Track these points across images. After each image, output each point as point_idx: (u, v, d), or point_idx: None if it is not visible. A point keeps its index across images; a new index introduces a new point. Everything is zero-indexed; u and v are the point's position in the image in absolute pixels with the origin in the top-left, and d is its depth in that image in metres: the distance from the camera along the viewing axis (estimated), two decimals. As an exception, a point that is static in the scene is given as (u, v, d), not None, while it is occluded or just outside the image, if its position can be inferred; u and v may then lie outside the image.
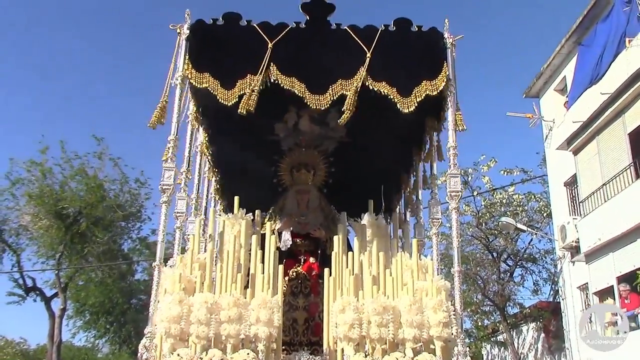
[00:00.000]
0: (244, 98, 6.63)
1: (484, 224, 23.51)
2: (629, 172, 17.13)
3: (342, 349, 6.07)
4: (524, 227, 22.28)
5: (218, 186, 9.27)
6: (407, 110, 6.72)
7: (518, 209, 23.41)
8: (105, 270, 25.48)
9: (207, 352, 5.84)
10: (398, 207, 9.29)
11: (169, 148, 6.62)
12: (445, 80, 6.85)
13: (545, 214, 23.65)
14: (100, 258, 25.05)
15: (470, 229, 23.67)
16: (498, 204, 23.47)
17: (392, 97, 6.73)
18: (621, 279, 17.17)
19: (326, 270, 6.79)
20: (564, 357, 21.98)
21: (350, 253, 6.84)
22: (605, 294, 18.39)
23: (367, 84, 6.71)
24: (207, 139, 8.28)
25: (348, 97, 6.64)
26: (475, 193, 23.35)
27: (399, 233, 8.37)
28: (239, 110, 6.65)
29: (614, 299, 17.57)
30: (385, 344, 6.05)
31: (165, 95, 6.78)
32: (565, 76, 21.15)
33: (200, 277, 6.35)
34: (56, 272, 24.42)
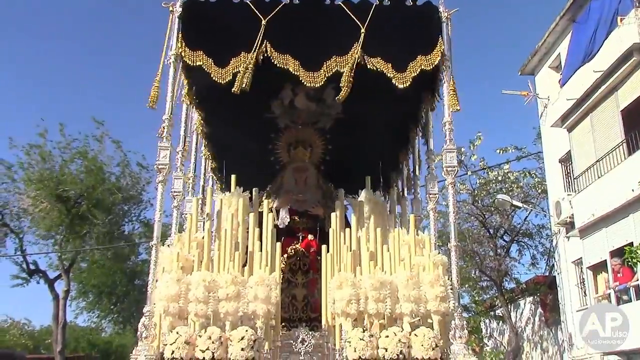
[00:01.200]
0: (238, 76, 6.50)
1: (479, 202, 23.44)
2: (622, 148, 16.94)
3: (340, 324, 6.01)
4: (520, 204, 22.23)
5: (214, 165, 9.16)
6: (402, 86, 6.60)
7: (513, 185, 23.29)
8: (107, 252, 25.39)
9: (205, 330, 5.78)
10: (395, 183, 9.18)
11: (163, 127, 6.51)
12: (440, 54, 6.72)
13: (540, 190, 23.53)
14: (101, 240, 24.93)
15: (467, 207, 23.59)
16: (493, 181, 23.35)
17: (387, 72, 6.61)
18: (614, 254, 17.03)
19: (324, 247, 6.73)
20: (560, 330, 22.05)
21: (347, 229, 6.77)
22: (599, 268, 18.31)
23: (361, 60, 6.58)
24: (202, 118, 8.16)
25: (344, 74, 6.52)
26: (469, 173, 23.21)
27: (397, 209, 8.24)
28: (233, 89, 6.52)
29: (607, 273, 17.52)
30: (383, 319, 6.00)
31: (159, 74, 6.64)
32: (559, 53, 20.91)
33: (198, 256, 6.27)
34: (59, 254, 24.37)
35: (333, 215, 6.93)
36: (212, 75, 6.62)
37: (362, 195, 7.72)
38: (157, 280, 6.17)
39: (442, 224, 19.83)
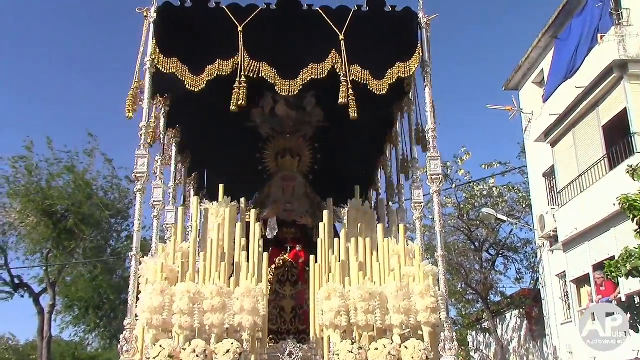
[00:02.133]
0: (234, 94, 6.27)
1: (465, 215, 23.30)
2: (603, 163, 16.88)
3: (329, 336, 5.78)
4: (505, 218, 22.13)
5: (193, 174, 8.91)
6: (380, 93, 6.43)
7: (498, 199, 23.19)
8: (94, 266, 24.94)
9: (190, 343, 5.54)
10: (381, 192, 8.93)
11: (141, 135, 6.26)
12: (418, 61, 6.55)
13: (525, 205, 23.46)
14: (88, 254, 24.50)
15: (452, 220, 23.44)
16: (478, 195, 23.22)
17: (364, 80, 6.42)
18: (596, 267, 16.74)
19: (312, 257, 6.49)
20: (546, 343, 21.88)
21: (336, 239, 6.55)
22: (582, 281, 18.27)
23: (338, 67, 6.38)
24: (179, 126, 7.95)
25: (342, 88, 6.29)
26: (454, 186, 23.07)
27: (385, 219, 8.00)
28: (231, 108, 6.30)
29: (591, 287, 17.37)
30: (373, 330, 5.78)
31: (135, 82, 6.41)
32: (543, 69, 20.96)
33: (182, 267, 6.02)
34: (44, 268, 23.93)
35: (321, 225, 6.71)
36: (185, 83, 6.40)
37: (351, 205, 7.49)
38: (137, 292, 5.91)
39: (429, 238, 19.65)
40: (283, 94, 6.47)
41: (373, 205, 8.44)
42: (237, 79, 6.23)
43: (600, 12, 16.90)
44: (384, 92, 6.43)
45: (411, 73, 6.55)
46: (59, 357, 36.01)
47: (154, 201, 6.70)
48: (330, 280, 6.00)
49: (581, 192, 17.77)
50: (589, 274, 17.38)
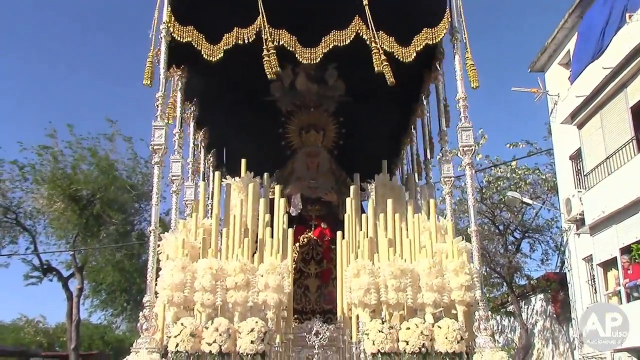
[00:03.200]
0: (265, 63, 5.81)
1: (488, 199, 22.70)
2: (631, 145, 16.35)
3: (357, 315, 5.41)
4: (530, 201, 21.58)
5: (212, 151, 8.52)
6: (406, 60, 5.98)
7: (521, 182, 22.53)
8: (120, 250, 24.85)
9: (212, 321, 5.21)
10: (410, 168, 8.45)
11: (157, 105, 5.89)
12: (446, 27, 6.09)
13: (548, 187, 22.82)
14: (114, 238, 24.38)
15: (476, 204, 22.78)
16: (502, 178, 22.58)
17: (390, 47, 5.96)
18: (624, 251, 16.45)
19: (339, 232, 6.11)
20: (571, 326, 21.39)
21: (364, 215, 6.17)
22: (609, 265, 17.71)
23: (362, 34, 5.92)
24: (197, 99, 7.58)
25: (374, 56, 5.83)
26: (474, 171, 22.33)
27: (414, 194, 7.55)
28: (269, 76, 5.85)
29: (618, 270, 16.92)
30: (403, 309, 5.39)
31: (152, 50, 6.02)
32: (569, 50, 20.33)
33: (204, 243, 5.67)
34: (72, 253, 23.88)
35: (348, 200, 6.32)
36: (202, 53, 6.00)
37: (378, 180, 7.06)
38: (157, 269, 5.58)
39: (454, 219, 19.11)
40: (304, 62, 6.02)
41: (402, 180, 8.02)
42: (265, 46, 5.78)
43: None
44: (411, 59, 5.97)
45: (439, 40, 6.10)
46: (87, 340, 36.21)
47: (172, 175, 6.38)
48: (358, 256, 5.61)
49: (608, 174, 17.27)
50: (616, 257, 16.91)
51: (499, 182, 22.56)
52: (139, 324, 5.47)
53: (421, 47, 6.01)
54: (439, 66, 6.65)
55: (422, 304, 5.35)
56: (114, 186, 23.43)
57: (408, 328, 5.13)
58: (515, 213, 22.79)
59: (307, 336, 5.67)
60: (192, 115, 7.59)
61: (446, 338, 5.11)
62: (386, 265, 5.39)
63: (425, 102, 7.48)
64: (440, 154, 6.67)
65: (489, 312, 5.43)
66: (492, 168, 22.63)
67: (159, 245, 5.84)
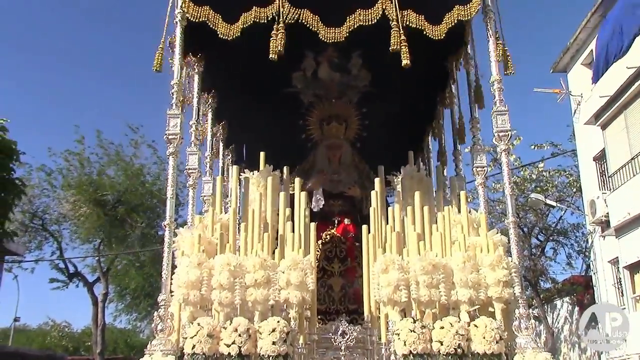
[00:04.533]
0: (272, 42, 5.36)
1: (515, 200, 22.08)
2: (657, 146, 15.95)
3: (386, 314, 4.91)
4: (554, 203, 20.94)
5: (231, 146, 8.06)
6: (437, 38, 5.45)
7: (547, 184, 21.96)
8: (144, 254, 24.61)
9: (231, 321, 4.75)
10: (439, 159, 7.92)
11: (172, 93, 5.45)
12: (480, 3, 5.56)
13: (575, 189, 22.22)
14: (139, 243, 24.15)
15: (500, 206, 22.25)
16: (528, 180, 22.01)
17: (419, 25, 5.45)
18: None
19: (364, 227, 5.59)
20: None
21: (390, 208, 5.67)
22: (636, 267, 17.30)
23: (388, 12, 5.42)
24: (215, 91, 7.16)
25: (393, 34, 5.30)
26: (510, 159, 21.82)
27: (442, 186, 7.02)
28: (270, 56, 5.35)
29: None
30: (436, 307, 4.88)
31: (172, 36, 5.58)
32: (592, 50, 19.72)
33: (222, 239, 5.22)
34: (97, 257, 23.69)
35: (373, 193, 5.81)
36: (218, 32, 5.53)
37: (404, 172, 6.55)
38: (172, 266, 5.14)
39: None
40: (328, 41, 5.50)
41: (429, 172, 7.49)
42: (275, 25, 5.32)
43: None
44: (442, 37, 5.44)
45: (472, 16, 5.56)
46: (112, 344, 36.00)
47: (189, 169, 5.92)
48: (386, 251, 5.12)
49: (634, 175, 16.85)
50: None
51: (525, 184, 22.01)
52: (153, 325, 5.04)
53: (454, 23, 5.50)
54: (470, 49, 6.12)
55: (457, 302, 4.84)
56: (140, 191, 23.23)
57: (442, 327, 4.61)
58: (540, 215, 22.20)
59: (332, 337, 5.16)
60: (209, 107, 7.15)
61: (484, 338, 4.59)
62: (416, 259, 4.89)
63: (454, 89, 6.95)
64: (473, 143, 6.15)
65: (530, 311, 4.90)
66: (520, 170, 22.08)
67: (174, 242, 5.40)
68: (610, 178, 18.44)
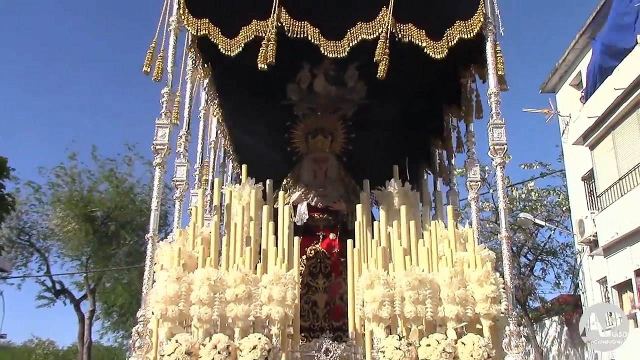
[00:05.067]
0: (262, 49, 5.21)
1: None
2: (645, 166, 15.90)
3: (371, 331, 4.71)
4: (542, 222, 20.90)
5: (229, 153, 7.85)
6: (438, 56, 5.30)
7: (537, 204, 21.93)
8: (131, 271, 24.29)
9: (210, 338, 4.53)
10: (427, 174, 7.75)
11: (162, 102, 5.26)
12: (481, 20, 5.42)
13: (564, 208, 22.20)
14: (127, 260, 23.86)
15: (489, 224, 22.18)
16: (517, 199, 21.98)
17: (420, 41, 5.31)
18: (639, 273, 15.98)
19: (349, 241, 5.41)
20: (587, 350, 20.56)
21: (376, 222, 5.49)
22: (624, 287, 17.25)
23: (391, 27, 5.26)
24: (215, 102, 6.95)
25: (378, 45, 5.18)
26: (492, 190, 21.83)
27: (429, 201, 6.84)
28: (259, 66, 5.20)
29: (633, 292, 16.44)
30: (422, 324, 4.69)
31: (159, 43, 5.38)
32: (580, 71, 19.91)
33: (203, 252, 5.02)
34: (84, 274, 23.38)
35: (358, 207, 5.64)
36: (219, 47, 5.38)
37: (390, 186, 6.38)
38: (153, 280, 4.93)
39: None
40: (330, 55, 5.34)
41: (417, 188, 7.30)
42: (267, 34, 5.17)
43: (637, 13, 16.02)
44: (443, 55, 5.30)
45: (474, 33, 5.40)
46: (98, 362, 35.47)
47: (176, 180, 5.72)
48: (371, 266, 4.93)
49: (622, 195, 16.80)
50: (631, 279, 16.43)
51: (514, 203, 21.96)
52: (131, 341, 4.82)
53: (454, 41, 5.35)
54: (473, 64, 5.96)
55: (444, 318, 4.64)
56: (130, 208, 23.01)
57: (428, 345, 4.42)
58: (529, 234, 22.14)
59: (315, 355, 4.95)
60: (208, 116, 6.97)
61: (471, 356, 4.39)
62: (402, 275, 4.69)
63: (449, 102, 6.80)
64: (467, 156, 6.02)
65: (521, 328, 4.72)
66: (510, 189, 22.02)
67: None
68: (598, 198, 18.38)
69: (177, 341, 4.49)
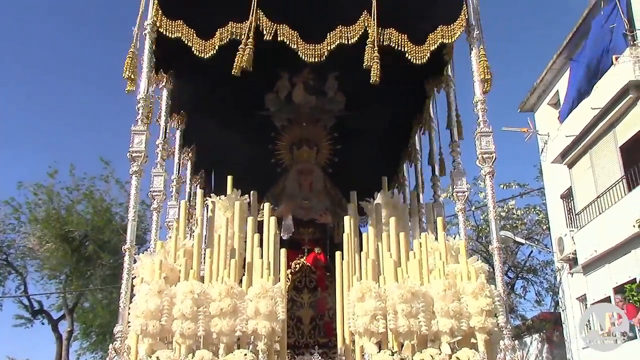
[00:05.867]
0: (237, 56, 5.02)
1: (483, 237, 21.95)
2: (621, 184, 15.99)
3: (362, 346, 4.46)
4: (522, 240, 20.82)
5: (200, 172, 7.61)
6: (419, 62, 5.17)
7: (517, 222, 21.87)
8: (110, 292, 23.73)
9: (194, 354, 4.27)
10: (412, 185, 7.53)
11: (138, 109, 5.04)
12: (463, 25, 5.30)
13: (544, 227, 22.17)
14: (105, 281, 23.30)
15: (470, 242, 22.06)
16: (497, 217, 21.89)
17: (401, 47, 5.15)
18: (617, 290, 15.94)
19: (337, 253, 5.15)
20: (567, 367, 20.40)
21: (365, 234, 5.25)
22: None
23: (371, 31, 5.11)
24: (183, 111, 6.74)
25: (367, 50, 5.01)
26: (473, 208, 21.76)
27: (418, 213, 6.61)
28: (233, 72, 5.03)
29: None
30: (415, 338, 4.45)
31: (135, 47, 5.15)
32: (558, 90, 19.99)
33: (185, 265, 4.75)
34: (62, 294, 22.79)
35: (346, 218, 5.39)
36: (193, 49, 5.17)
37: (379, 198, 6.16)
38: (130, 295, 4.65)
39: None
40: (307, 59, 5.15)
41: (405, 199, 7.09)
42: (244, 39, 4.98)
43: (610, 34, 16.19)
44: (424, 60, 5.16)
45: (455, 38, 5.29)
46: (76, 384, 34.54)
47: (153, 191, 5.45)
48: (361, 278, 4.69)
49: (600, 213, 16.88)
50: (610, 297, 16.37)
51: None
52: (107, 359, 4.52)
53: (436, 45, 5.21)
54: (449, 71, 5.83)
55: (437, 332, 4.42)
56: (107, 229, 22.47)
57: (422, 360, 4.20)
58: (510, 253, 22.07)
59: (302, 372, 4.71)
60: (178, 128, 6.73)
61: (466, 372, 4.18)
62: (395, 287, 4.46)
63: (432, 112, 6.64)
64: (453, 167, 5.82)
65: (516, 342, 4.50)
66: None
67: (134, 268, 4.91)
68: (577, 216, 18.44)
69: (158, 358, 4.23)
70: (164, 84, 6.10)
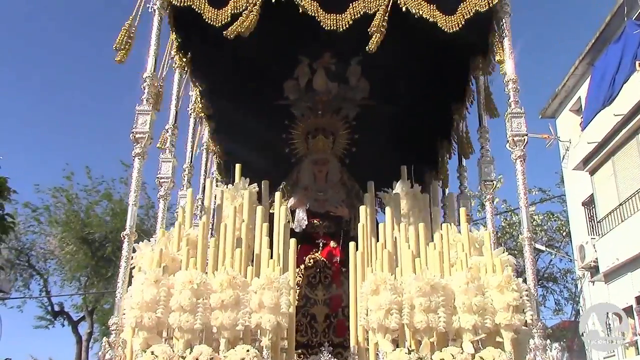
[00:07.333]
0: (240, 19, 4.57)
1: (503, 244, 21.37)
2: (645, 191, 15.51)
3: (376, 343, 3.97)
4: (543, 247, 20.22)
5: (219, 159, 7.18)
6: (451, 30, 4.63)
7: (537, 228, 21.26)
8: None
9: (191, 349, 3.84)
10: (436, 177, 6.97)
11: (144, 87, 4.63)
12: None
13: (564, 233, 21.55)
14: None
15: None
16: (517, 224, 21.37)
17: (430, 16, 4.64)
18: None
19: (352, 244, 4.67)
20: (588, 377, 19.72)
21: (381, 224, 4.77)
22: (625, 313, 16.35)
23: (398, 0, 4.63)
24: (199, 93, 6.31)
25: (376, 17, 4.55)
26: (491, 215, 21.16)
27: (439, 204, 6.10)
28: (227, 33, 4.60)
29: (634, 319, 15.92)
30: (434, 336, 3.96)
31: (130, 18, 4.73)
32: (580, 97, 19.47)
33: (187, 254, 4.31)
34: (83, 296, 22.60)
35: (362, 208, 4.92)
36: (204, 18, 4.72)
37: (398, 188, 5.67)
38: (128, 285, 4.23)
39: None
40: (328, 28, 4.65)
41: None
42: (250, 5, 4.54)
43: (638, 39, 15.66)
44: (458, 28, 4.62)
45: (492, 4, 4.71)
46: (95, 385, 34.41)
47: (160, 177, 5.06)
48: (376, 269, 4.20)
49: (622, 221, 16.41)
50: (632, 306, 15.99)
51: (514, 228, 21.35)
52: (100, 353, 4.10)
53: (471, 14, 4.65)
54: (490, 53, 5.27)
55: (459, 329, 3.92)
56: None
57: (442, 359, 3.70)
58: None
59: (312, 373, 4.23)
60: (195, 113, 6.31)
61: (491, 373, 3.67)
62: (412, 279, 3.98)
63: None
64: (481, 154, 5.32)
65: (547, 341, 3.99)
66: (510, 214, 21.47)
67: (132, 257, 4.50)
68: (599, 223, 17.96)
69: (152, 353, 3.80)
70: (176, 65, 5.66)
